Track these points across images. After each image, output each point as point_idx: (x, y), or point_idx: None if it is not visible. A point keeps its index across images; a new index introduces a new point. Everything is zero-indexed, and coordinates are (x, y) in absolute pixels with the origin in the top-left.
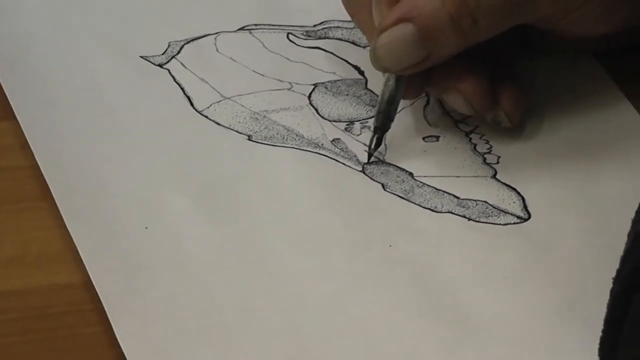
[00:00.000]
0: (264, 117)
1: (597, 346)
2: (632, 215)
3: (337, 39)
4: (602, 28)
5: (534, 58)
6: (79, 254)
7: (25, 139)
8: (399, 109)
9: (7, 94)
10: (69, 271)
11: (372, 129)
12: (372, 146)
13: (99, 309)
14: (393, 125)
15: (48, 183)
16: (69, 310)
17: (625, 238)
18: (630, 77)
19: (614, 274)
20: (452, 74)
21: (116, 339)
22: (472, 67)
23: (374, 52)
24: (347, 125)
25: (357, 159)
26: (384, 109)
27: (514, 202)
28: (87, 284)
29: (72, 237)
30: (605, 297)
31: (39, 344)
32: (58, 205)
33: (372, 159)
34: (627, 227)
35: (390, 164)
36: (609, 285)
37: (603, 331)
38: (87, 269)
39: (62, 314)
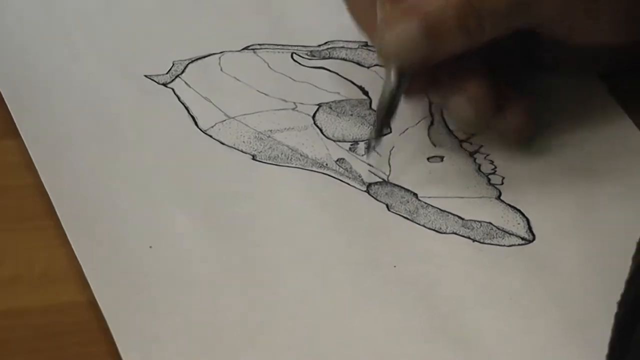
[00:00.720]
0: (268, 136)
1: None
2: (636, 237)
3: (341, 59)
4: (607, 38)
5: (537, 76)
6: (83, 273)
7: (30, 158)
8: (403, 130)
9: (11, 113)
10: (73, 290)
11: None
12: (372, 147)
13: (103, 328)
14: (397, 145)
15: (52, 201)
16: (73, 330)
17: (629, 260)
18: (631, 94)
19: (618, 297)
20: (457, 75)
21: (120, 358)
22: (478, 71)
23: (380, 45)
24: (351, 145)
25: (362, 179)
26: (385, 106)
27: (519, 224)
28: (91, 303)
29: (77, 256)
30: (610, 319)
31: None
32: (62, 224)
33: (376, 179)
34: (631, 249)
35: (394, 185)
36: (614, 307)
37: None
38: (92, 288)
39: (66, 333)
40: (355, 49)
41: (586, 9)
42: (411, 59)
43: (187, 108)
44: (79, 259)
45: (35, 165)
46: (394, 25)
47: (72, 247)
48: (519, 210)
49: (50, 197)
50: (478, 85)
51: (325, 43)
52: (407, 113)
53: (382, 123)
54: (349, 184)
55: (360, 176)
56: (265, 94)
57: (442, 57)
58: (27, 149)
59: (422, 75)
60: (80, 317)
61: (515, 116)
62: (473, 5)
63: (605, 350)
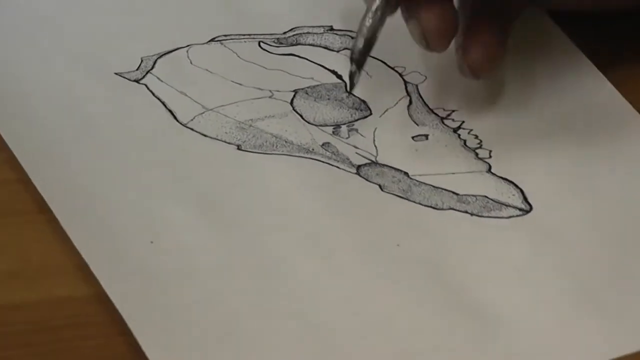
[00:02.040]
0: (250, 126)
1: (614, 332)
2: (629, 196)
3: (309, 44)
4: None
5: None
6: (79, 267)
7: (10, 154)
8: (383, 112)
9: None
10: (70, 284)
11: (350, 60)
12: (354, 79)
13: (100, 322)
14: (380, 127)
15: (45, 199)
16: (70, 323)
17: (631, 222)
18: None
19: (622, 258)
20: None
21: (118, 352)
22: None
23: None
24: (334, 129)
25: (350, 162)
26: (372, 25)
27: (513, 195)
28: (88, 297)
29: (81, 253)
30: (617, 282)
31: (40, 357)
32: (60, 221)
33: (364, 160)
34: (626, 209)
35: (384, 165)
36: (621, 271)
37: None
38: (102, 284)
39: (63, 327)
40: (321, 33)
41: None
42: None
43: (163, 103)
44: (84, 256)
45: (21, 162)
46: None
47: (75, 245)
48: (512, 182)
49: (42, 195)
50: (435, 17)
51: (291, 30)
52: (385, 94)
53: (368, 43)
54: (338, 167)
55: (348, 159)
56: (240, 84)
57: None
58: (5, 145)
59: None
60: (77, 310)
61: (478, 54)
62: None
63: (617, 315)
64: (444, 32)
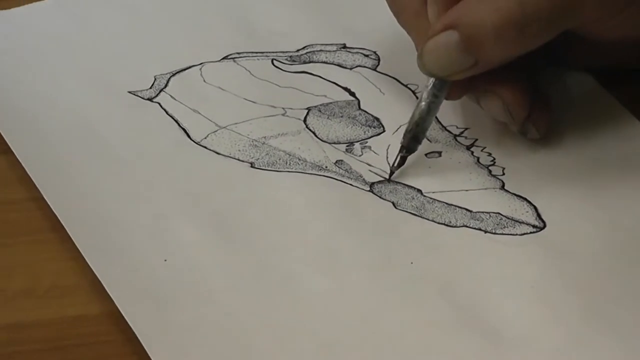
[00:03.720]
0: (263, 143)
1: (628, 349)
2: None
3: (322, 62)
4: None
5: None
6: (92, 286)
7: (22, 172)
8: (396, 129)
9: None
10: (82, 303)
11: (400, 147)
12: (395, 164)
13: (113, 340)
14: (393, 144)
15: (59, 217)
16: (82, 343)
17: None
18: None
19: (636, 275)
20: (494, 78)
21: None
22: (514, 74)
23: (421, 57)
24: (347, 146)
25: (364, 179)
26: (412, 129)
27: (527, 212)
28: (101, 316)
29: (95, 272)
30: (631, 299)
31: None
32: (74, 240)
33: (378, 178)
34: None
35: (397, 182)
36: (634, 286)
37: None
38: (116, 303)
39: (75, 346)
40: (334, 51)
41: (625, 4)
42: (452, 70)
43: (176, 121)
44: (98, 275)
45: (34, 181)
46: (435, 39)
47: (89, 264)
48: (525, 199)
49: (56, 213)
50: (515, 92)
51: (304, 47)
52: (398, 111)
53: (409, 147)
54: (351, 185)
55: (361, 176)
56: (253, 102)
57: (486, 68)
58: (19, 164)
59: (460, 81)
60: (90, 329)
61: (541, 115)
62: (513, 17)
63: (631, 333)
64: (525, 101)
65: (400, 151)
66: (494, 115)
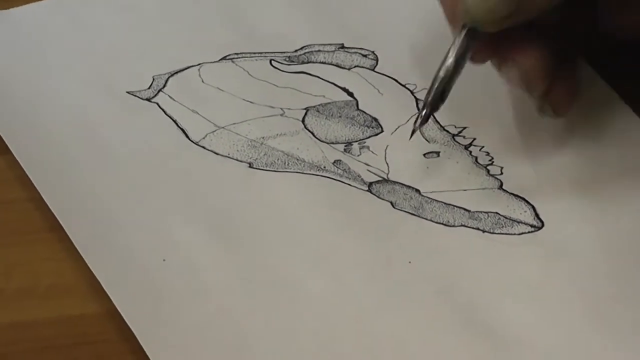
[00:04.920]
0: (262, 144)
1: (627, 348)
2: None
3: (320, 62)
4: None
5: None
6: (90, 286)
7: (21, 172)
8: (395, 129)
9: None
10: (81, 303)
11: (422, 105)
12: (418, 123)
13: (112, 339)
14: (391, 144)
15: (58, 218)
16: (81, 342)
17: (639, 236)
18: (622, 76)
19: (635, 274)
20: (518, 46)
21: None
22: (537, 42)
23: (465, 3)
24: (345, 146)
25: (362, 179)
26: (439, 85)
27: (525, 212)
28: (100, 315)
29: (93, 271)
30: (630, 298)
31: None
32: (73, 240)
33: (376, 178)
34: (639, 226)
35: (395, 182)
36: (633, 286)
37: None
38: (114, 302)
39: (74, 345)
40: (332, 51)
41: None
42: (491, 15)
43: (175, 121)
44: (95, 274)
45: (33, 181)
46: None
47: (87, 263)
48: (523, 198)
49: (55, 213)
50: (534, 59)
51: (302, 48)
52: (396, 111)
53: (445, 87)
54: (349, 185)
55: (359, 176)
56: (251, 102)
57: (525, 16)
58: (17, 164)
59: (488, 42)
60: (88, 329)
61: (562, 96)
62: None
63: (630, 332)
64: (544, 72)
65: (423, 108)
66: (512, 85)
